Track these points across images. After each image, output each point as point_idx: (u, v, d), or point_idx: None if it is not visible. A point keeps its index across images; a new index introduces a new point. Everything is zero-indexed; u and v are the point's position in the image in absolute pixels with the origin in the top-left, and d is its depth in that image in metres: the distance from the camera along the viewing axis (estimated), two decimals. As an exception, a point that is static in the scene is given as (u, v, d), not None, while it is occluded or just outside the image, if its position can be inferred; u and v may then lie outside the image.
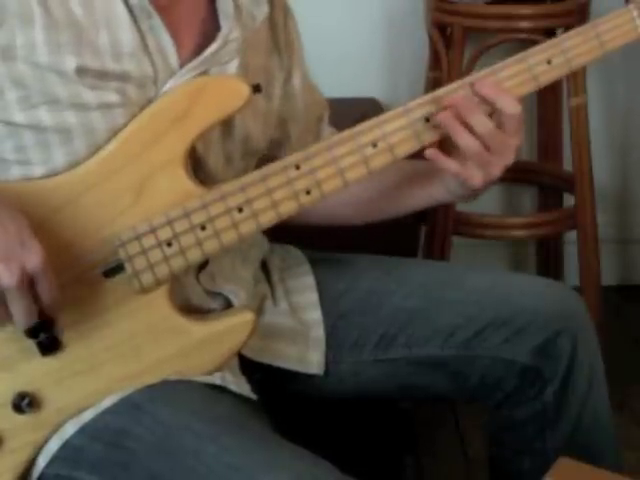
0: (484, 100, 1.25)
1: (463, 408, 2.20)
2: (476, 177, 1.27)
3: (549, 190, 2.71)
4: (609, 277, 2.70)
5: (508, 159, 1.27)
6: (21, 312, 1.09)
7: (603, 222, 2.54)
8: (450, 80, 2.35)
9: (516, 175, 2.67)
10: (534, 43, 2.56)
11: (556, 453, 1.28)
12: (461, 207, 2.39)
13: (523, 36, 2.27)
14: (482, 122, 1.24)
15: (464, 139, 1.25)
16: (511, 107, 1.24)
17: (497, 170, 1.27)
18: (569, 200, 2.55)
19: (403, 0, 2.59)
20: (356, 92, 2.52)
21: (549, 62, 1.27)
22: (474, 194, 1.33)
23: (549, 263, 2.77)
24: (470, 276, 1.43)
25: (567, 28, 2.38)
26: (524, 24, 2.28)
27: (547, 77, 1.28)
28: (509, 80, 1.27)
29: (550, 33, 2.39)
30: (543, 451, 1.39)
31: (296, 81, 1.41)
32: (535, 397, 1.37)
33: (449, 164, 1.26)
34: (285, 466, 1.10)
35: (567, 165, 2.54)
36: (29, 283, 1.08)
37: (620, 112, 2.73)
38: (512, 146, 1.26)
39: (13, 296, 1.07)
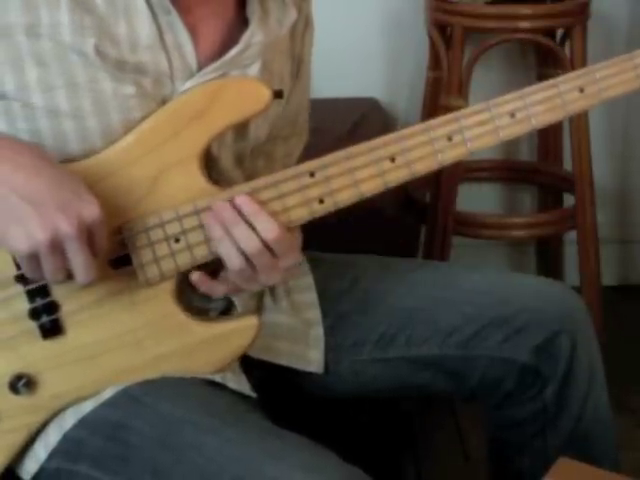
0: (244, 217, 1.16)
1: (463, 408, 2.20)
2: (221, 290, 1.21)
3: (549, 190, 2.71)
4: (609, 277, 2.71)
5: (271, 280, 1.18)
6: (81, 265, 1.08)
7: (603, 222, 2.54)
8: (450, 80, 2.37)
9: (516, 175, 2.67)
10: (534, 43, 2.57)
11: (556, 452, 1.28)
12: (461, 207, 2.39)
13: (523, 36, 2.27)
14: (246, 237, 1.15)
15: (226, 249, 1.16)
16: (269, 231, 1.15)
17: (253, 287, 1.19)
18: (569, 200, 2.55)
19: (403, 0, 2.59)
20: (356, 92, 2.53)
21: (582, 90, 1.21)
22: None
23: (549, 263, 2.77)
24: (470, 276, 1.43)
25: (567, 28, 2.39)
26: (524, 24, 2.28)
27: (576, 106, 1.22)
28: (538, 105, 1.21)
29: (550, 33, 2.39)
30: (543, 450, 1.39)
31: (297, 92, 1.39)
32: (535, 396, 1.37)
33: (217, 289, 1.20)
34: (287, 455, 1.10)
35: (567, 165, 2.54)
36: (88, 235, 1.08)
37: (620, 112, 2.74)
38: (279, 269, 1.17)
39: (72, 247, 1.07)
